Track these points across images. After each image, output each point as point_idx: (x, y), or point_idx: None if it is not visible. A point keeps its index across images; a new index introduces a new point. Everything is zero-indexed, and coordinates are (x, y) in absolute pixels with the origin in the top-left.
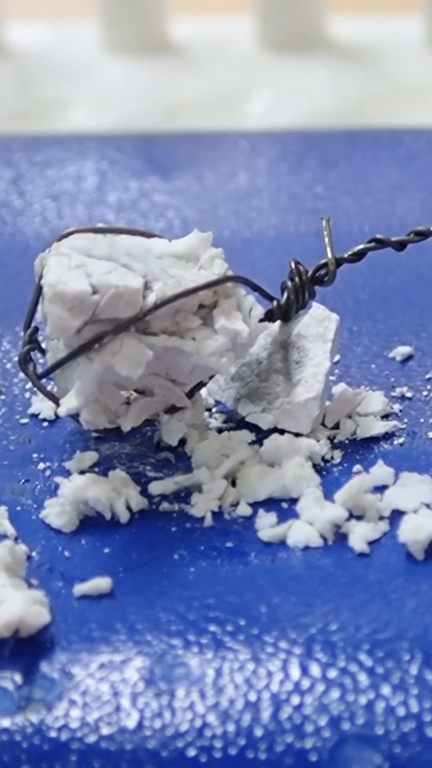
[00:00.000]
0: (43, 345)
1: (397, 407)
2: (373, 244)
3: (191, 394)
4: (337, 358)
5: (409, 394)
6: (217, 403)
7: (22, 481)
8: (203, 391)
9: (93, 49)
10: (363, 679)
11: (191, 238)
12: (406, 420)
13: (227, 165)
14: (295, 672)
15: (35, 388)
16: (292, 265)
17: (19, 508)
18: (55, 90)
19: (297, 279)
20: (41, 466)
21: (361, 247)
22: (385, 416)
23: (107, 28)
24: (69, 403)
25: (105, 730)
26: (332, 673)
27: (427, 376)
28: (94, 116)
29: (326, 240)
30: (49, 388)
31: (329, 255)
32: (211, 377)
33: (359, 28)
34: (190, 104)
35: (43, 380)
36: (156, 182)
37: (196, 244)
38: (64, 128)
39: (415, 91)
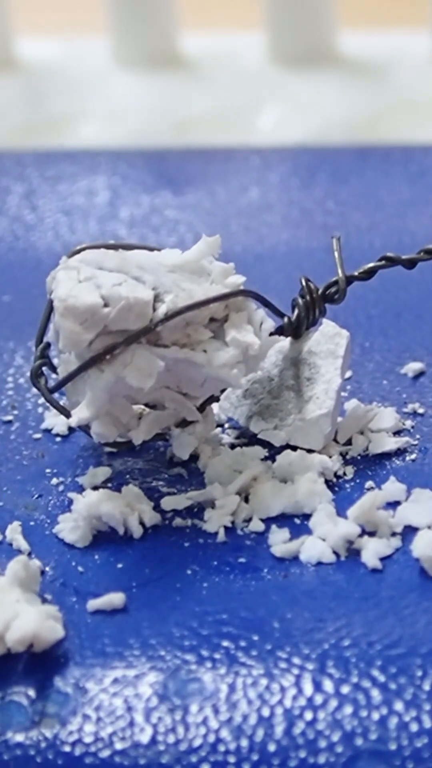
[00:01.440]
0: (55, 361)
1: (409, 423)
2: (383, 262)
3: (202, 408)
4: (349, 374)
5: (421, 411)
6: (230, 419)
7: (36, 496)
8: (215, 408)
9: (103, 64)
10: (376, 694)
11: (200, 245)
12: (418, 436)
13: (238, 180)
14: (308, 687)
15: (47, 403)
16: (303, 283)
17: (32, 524)
18: (65, 104)
19: (308, 296)
20: (54, 481)
21: (371, 265)
22: (397, 432)
23: (118, 43)
24: (80, 413)
25: (119, 745)
26: (345, 689)
27: None
28: (105, 130)
29: (337, 258)
30: (61, 403)
31: (340, 273)
32: (222, 391)
33: (369, 42)
34: (200, 119)
35: (56, 395)
36: (167, 197)
37: (206, 250)
38: (75, 142)
39: (426, 105)
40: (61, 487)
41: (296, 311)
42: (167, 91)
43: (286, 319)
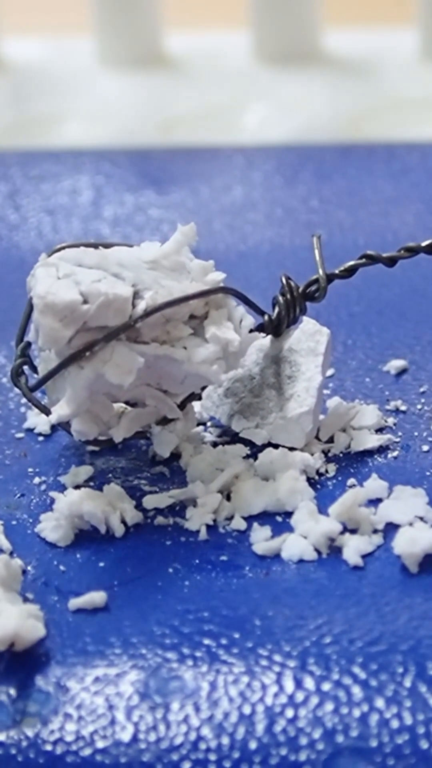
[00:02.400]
0: (36, 361)
1: (391, 421)
2: (364, 260)
3: (183, 405)
4: (331, 371)
5: (403, 408)
6: (212, 417)
7: (18, 495)
8: (197, 407)
9: (88, 63)
10: (357, 691)
11: (176, 235)
12: (400, 433)
13: (222, 179)
14: (289, 685)
15: (28, 402)
16: (284, 281)
17: (14, 523)
18: (50, 103)
19: (288, 294)
20: (36, 480)
21: (352, 263)
22: (380, 430)
23: (102, 42)
24: (60, 410)
25: (100, 744)
26: (326, 686)
27: (422, 390)
28: (90, 130)
29: (317, 256)
30: (42, 402)
31: (320, 272)
32: (203, 389)
33: (354, 41)
34: (185, 118)
35: (37, 394)
36: (151, 196)
37: (182, 239)
38: (60, 142)
39: (411, 103)
40: (43, 486)
41: (277, 309)
42: (152, 91)
43: (266, 317)
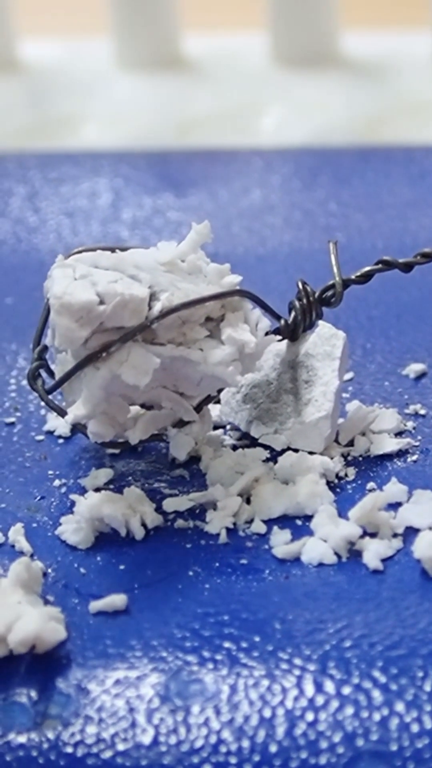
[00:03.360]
0: (53, 365)
1: (410, 424)
2: (380, 265)
3: (199, 408)
4: (350, 375)
5: (422, 412)
6: (231, 423)
7: (38, 498)
8: (216, 412)
9: (106, 65)
10: (377, 695)
11: (191, 234)
12: (419, 437)
13: (241, 182)
14: (309, 688)
15: (45, 404)
16: (300, 286)
17: (35, 525)
18: (68, 106)
19: (304, 299)
20: (57, 483)
21: (368, 268)
22: (399, 433)
23: (120, 44)
24: (76, 411)
25: (120, 746)
26: (346, 690)
27: None
28: (107, 132)
29: (333, 262)
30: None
31: (336, 277)
32: (219, 391)
33: (372, 43)
34: (202, 120)
35: (56, 398)
36: (170, 199)
37: (197, 238)
38: (77, 144)
39: (428, 106)
40: (63, 489)
41: (293, 314)
42: (170, 93)
43: (282, 322)
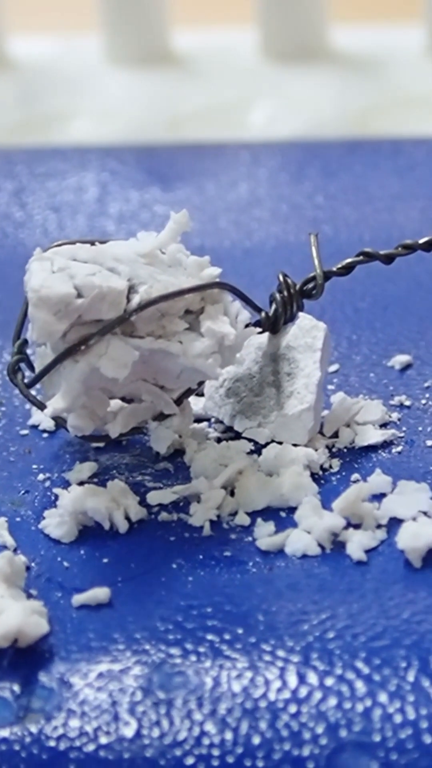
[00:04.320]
0: (33, 359)
1: (395, 416)
2: (361, 257)
3: (180, 401)
4: (336, 367)
5: (407, 403)
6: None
7: (22, 492)
8: (200, 405)
9: (96, 61)
10: (360, 686)
11: (169, 224)
12: (404, 428)
13: (228, 175)
14: (292, 680)
15: (25, 398)
16: (281, 278)
17: (18, 519)
18: (57, 101)
19: (285, 291)
20: (41, 477)
21: (349, 260)
22: (384, 425)
23: (110, 40)
24: (55, 404)
25: (103, 740)
26: (329, 681)
27: (426, 385)
28: (97, 127)
29: (314, 254)
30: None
31: (317, 269)
32: (200, 384)
33: (361, 37)
34: (192, 115)
35: (38, 391)
36: (157, 193)
37: (176, 227)
38: (67, 140)
39: (417, 100)
40: (47, 483)
41: (273, 306)
42: (159, 88)
43: (263, 314)
